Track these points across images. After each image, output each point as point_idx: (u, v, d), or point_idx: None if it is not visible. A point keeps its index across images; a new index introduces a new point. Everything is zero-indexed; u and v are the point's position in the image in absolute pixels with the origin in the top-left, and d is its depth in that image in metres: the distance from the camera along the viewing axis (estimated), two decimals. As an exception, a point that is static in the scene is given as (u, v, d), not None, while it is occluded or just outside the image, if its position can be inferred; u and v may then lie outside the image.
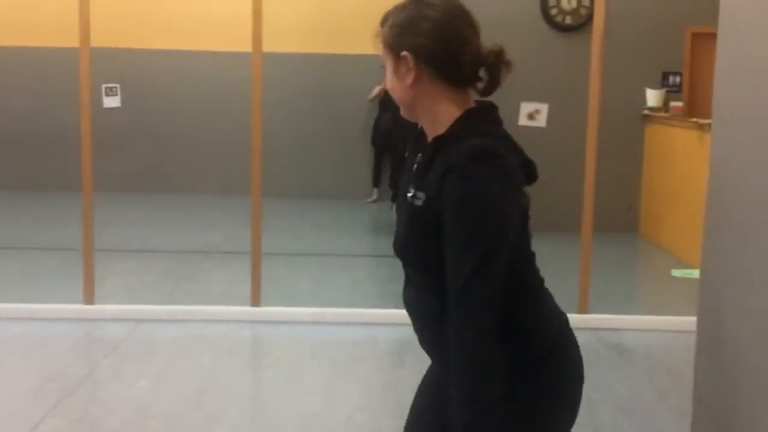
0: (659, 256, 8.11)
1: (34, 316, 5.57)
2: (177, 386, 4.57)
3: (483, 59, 1.90)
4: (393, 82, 1.95)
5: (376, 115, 10.44)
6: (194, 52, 10.67)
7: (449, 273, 1.80)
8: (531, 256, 1.99)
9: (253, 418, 4.34)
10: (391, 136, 9.89)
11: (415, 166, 1.97)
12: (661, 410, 4.42)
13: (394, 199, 8.21)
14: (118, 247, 7.53)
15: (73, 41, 5.74)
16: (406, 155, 2.07)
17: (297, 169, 10.58)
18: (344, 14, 9.94)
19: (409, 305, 2.03)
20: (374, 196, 10.67)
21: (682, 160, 7.91)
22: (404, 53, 1.90)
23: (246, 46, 5.71)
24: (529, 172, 1.94)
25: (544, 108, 5.70)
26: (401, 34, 1.91)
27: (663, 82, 8.86)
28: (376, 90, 10.08)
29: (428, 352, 2.03)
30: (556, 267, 6.22)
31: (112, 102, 6.05)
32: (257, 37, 5.60)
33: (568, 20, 8.90)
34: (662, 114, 8.64)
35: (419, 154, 1.98)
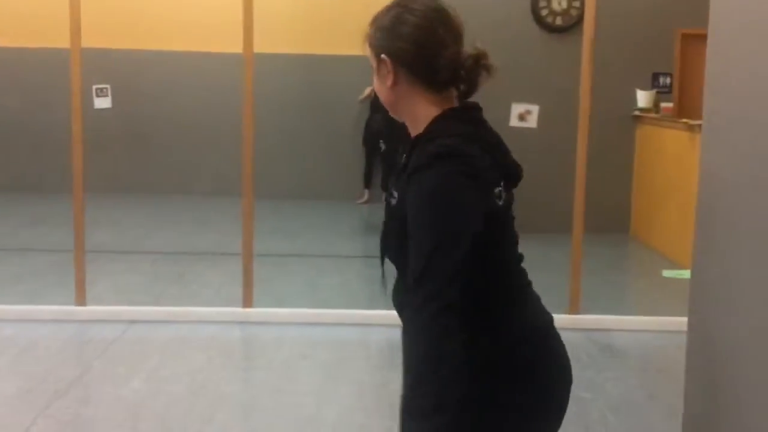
0: (650, 257, 8.13)
1: (25, 318, 5.55)
2: (168, 387, 4.57)
3: (461, 63, 1.93)
4: (377, 84, 2.01)
5: (367, 116, 10.45)
6: (185, 53, 10.66)
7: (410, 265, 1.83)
8: (517, 257, 2.01)
9: (245, 420, 4.34)
10: (382, 137, 9.90)
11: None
12: (651, 410, 4.43)
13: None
14: (109, 248, 7.52)
15: (63, 42, 5.73)
16: (398, 156, 2.10)
17: (288, 170, 10.57)
18: (335, 15, 9.94)
19: (394, 302, 2.06)
20: (365, 197, 10.68)
21: (672, 160, 7.93)
22: (383, 56, 1.95)
23: (237, 47, 5.70)
24: (510, 173, 1.97)
25: (534, 109, 5.71)
26: (383, 38, 1.96)
27: (653, 83, 8.88)
28: (367, 91, 10.08)
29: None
30: (547, 268, 6.25)
31: (102, 103, 6.03)
32: (248, 38, 5.59)
33: (559, 21, 8.91)
34: (652, 115, 8.66)
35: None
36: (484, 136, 1.95)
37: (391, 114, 2.04)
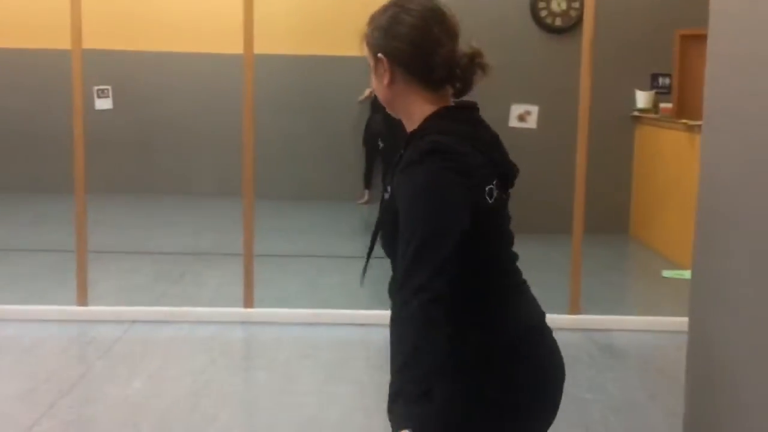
0: (650, 257, 8.13)
1: (26, 318, 5.56)
2: (170, 387, 4.58)
3: (457, 61, 1.96)
4: (374, 82, 2.05)
5: (367, 117, 10.46)
6: (186, 54, 10.67)
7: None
8: (512, 256, 2.04)
9: (247, 419, 4.36)
10: (382, 137, 9.91)
11: None
12: (652, 410, 4.44)
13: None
14: (111, 248, 7.53)
15: (65, 43, 5.74)
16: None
17: (288, 170, 10.58)
18: (335, 17, 9.95)
19: (389, 294, 2.08)
20: (366, 198, 10.68)
21: (671, 161, 7.94)
22: (380, 55, 1.98)
23: (237, 48, 5.72)
24: (505, 173, 1.99)
25: (534, 110, 5.72)
26: (379, 37, 1.99)
27: (652, 83, 8.87)
28: (367, 92, 10.09)
29: None
30: (547, 268, 6.26)
31: (103, 104, 6.04)
32: (248, 40, 5.61)
33: (558, 22, 8.91)
34: (652, 115, 8.67)
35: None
36: (480, 135, 1.97)
37: (388, 111, 2.08)
